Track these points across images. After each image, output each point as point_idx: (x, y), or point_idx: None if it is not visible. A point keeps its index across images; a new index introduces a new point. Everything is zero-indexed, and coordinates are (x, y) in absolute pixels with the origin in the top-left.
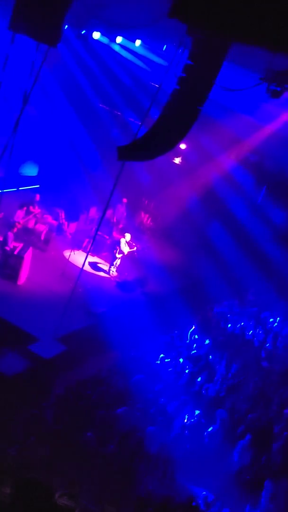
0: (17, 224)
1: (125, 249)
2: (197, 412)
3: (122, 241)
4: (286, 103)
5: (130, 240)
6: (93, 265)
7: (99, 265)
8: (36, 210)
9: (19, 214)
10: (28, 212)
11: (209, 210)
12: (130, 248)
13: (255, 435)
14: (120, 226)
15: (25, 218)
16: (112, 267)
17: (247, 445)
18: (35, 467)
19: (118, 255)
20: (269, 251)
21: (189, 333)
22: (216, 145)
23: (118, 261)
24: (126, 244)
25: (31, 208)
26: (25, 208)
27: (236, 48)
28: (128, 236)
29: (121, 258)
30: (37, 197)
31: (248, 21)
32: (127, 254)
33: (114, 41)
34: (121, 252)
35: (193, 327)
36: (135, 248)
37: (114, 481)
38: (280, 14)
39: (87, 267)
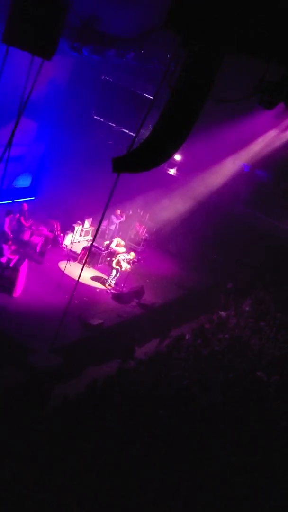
0: (10, 235)
1: (123, 264)
2: None
3: (120, 254)
4: (279, 115)
5: (127, 252)
6: (90, 277)
7: (96, 276)
8: (28, 222)
9: (6, 221)
10: (19, 224)
11: (204, 220)
12: (128, 262)
13: (251, 448)
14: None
15: (11, 225)
16: (110, 278)
17: None
18: (32, 480)
19: (115, 267)
20: (265, 261)
21: (185, 344)
22: (211, 156)
23: (115, 273)
24: (125, 259)
25: (22, 219)
26: (11, 215)
27: (230, 59)
28: (129, 254)
29: (120, 270)
30: (25, 206)
31: (242, 31)
32: (125, 269)
33: (108, 52)
34: (118, 265)
35: (189, 337)
36: (132, 265)
37: (112, 493)
38: (274, 25)
39: (83, 279)
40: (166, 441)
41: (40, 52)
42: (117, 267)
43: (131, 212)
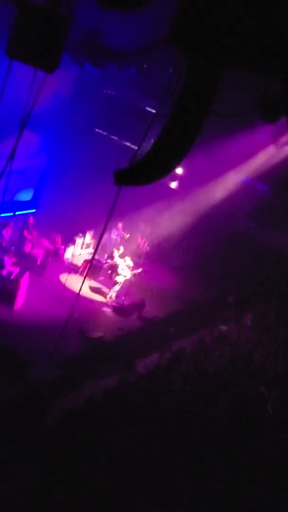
0: (11, 247)
1: (127, 272)
2: None
3: (121, 265)
4: (280, 129)
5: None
6: (91, 289)
7: (96, 289)
8: (30, 235)
9: (3, 233)
10: (21, 236)
11: (206, 234)
12: (132, 271)
13: (253, 460)
14: (119, 250)
15: (11, 237)
16: (111, 291)
17: None
18: (29, 494)
19: (118, 280)
20: (266, 275)
21: (185, 357)
22: (212, 169)
23: (117, 286)
24: (127, 267)
25: (25, 232)
26: (7, 227)
27: (232, 74)
28: (128, 260)
29: (122, 282)
30: (31, 220)
31: (246, 48)
32: (130, 278)
33: (110, 66)
34: (120, 276)
35: (190, 351)
36: (139, 270)
37: (112, 505)
38: (275, 39)
39: (84, 292)
40: (167, 454)
41: (43, 66)
42: (122, 278)
43: (128, 236)
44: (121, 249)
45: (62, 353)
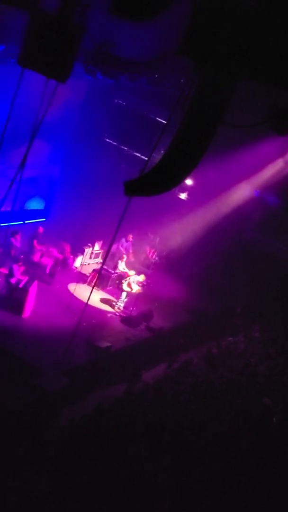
0: (21, 257)
1: (135, 287)
2: None
3: (132, 277)
4: None
5: (137, 274)
6: (99, 299)
7: (105, 299)
8: (40, 245)
9: (12, 242)
10: (31, 246)
11: (214, 245)
12: (138, 284)
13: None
14: (127, 260)
15: (16, 244)
16: (119, 301)
17: None
18: (36, 503)
19: (126, 289)
20: (274, 287)
21: (193, 368)
22: (222, 181)
23: (124, 296)
24: (136, 283)
25: (35, 242)
26: (16, 235)
27: (243, 84)
28: (142, 277)
29: (129, 293)
30: (40, 229)
31: (256, 58)
32: (136, 291)
33: (122, 76)
34: (129, 287)
35: (197, 362)
36: (143, 285)
37: None
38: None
39: (92, 301)
40: (173, 464)
41: (55, 75)
42: (128, 289)
43: (143, 259)
44: (125, 258)
45: (70, 362)
